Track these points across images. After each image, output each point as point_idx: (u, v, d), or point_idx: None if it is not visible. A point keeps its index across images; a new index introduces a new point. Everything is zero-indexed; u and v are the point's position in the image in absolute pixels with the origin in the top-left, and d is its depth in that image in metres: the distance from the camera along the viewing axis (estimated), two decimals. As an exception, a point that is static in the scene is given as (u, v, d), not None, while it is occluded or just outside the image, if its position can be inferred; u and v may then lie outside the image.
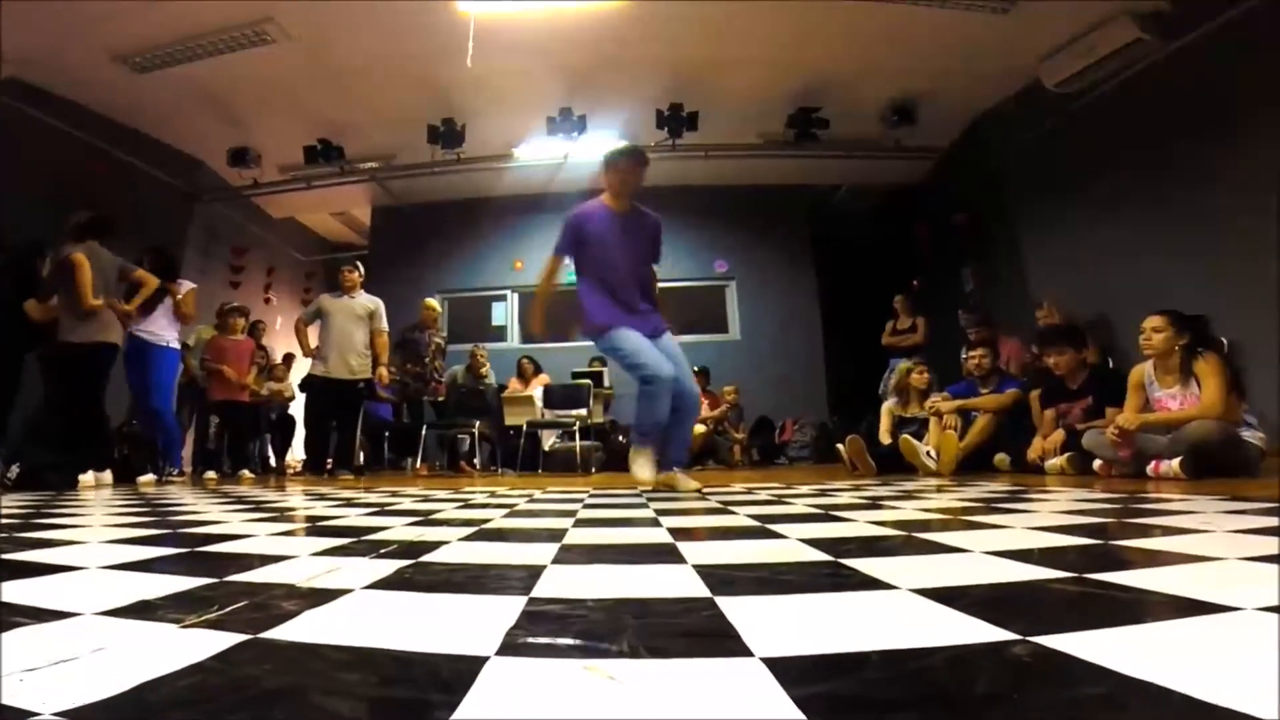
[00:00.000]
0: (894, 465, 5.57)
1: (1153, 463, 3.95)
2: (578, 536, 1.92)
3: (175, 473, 6.05)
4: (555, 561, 1.47)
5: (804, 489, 3.90)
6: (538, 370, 8.91)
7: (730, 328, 10.95)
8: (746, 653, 0.80)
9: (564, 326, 4.58)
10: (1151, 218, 6.70)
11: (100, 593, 1.14)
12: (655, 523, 2.27)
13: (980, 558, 1.47)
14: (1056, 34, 6.92)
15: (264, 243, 10.88)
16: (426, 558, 1.53)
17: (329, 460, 6.82)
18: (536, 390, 8.36)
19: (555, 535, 1.95)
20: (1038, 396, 5.38)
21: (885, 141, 8.83)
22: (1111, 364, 6.48)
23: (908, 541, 1.80)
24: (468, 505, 3.12)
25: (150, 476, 5.70)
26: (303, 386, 7.54)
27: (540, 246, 9.58)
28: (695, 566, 1.39)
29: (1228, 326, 5.42)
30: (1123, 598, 1.06)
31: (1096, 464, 4.35)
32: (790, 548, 1.68)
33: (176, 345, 6.26)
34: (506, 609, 1.02)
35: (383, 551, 1.62)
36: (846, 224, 11.43)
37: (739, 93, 8.10)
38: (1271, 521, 1.79)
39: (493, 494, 3.95)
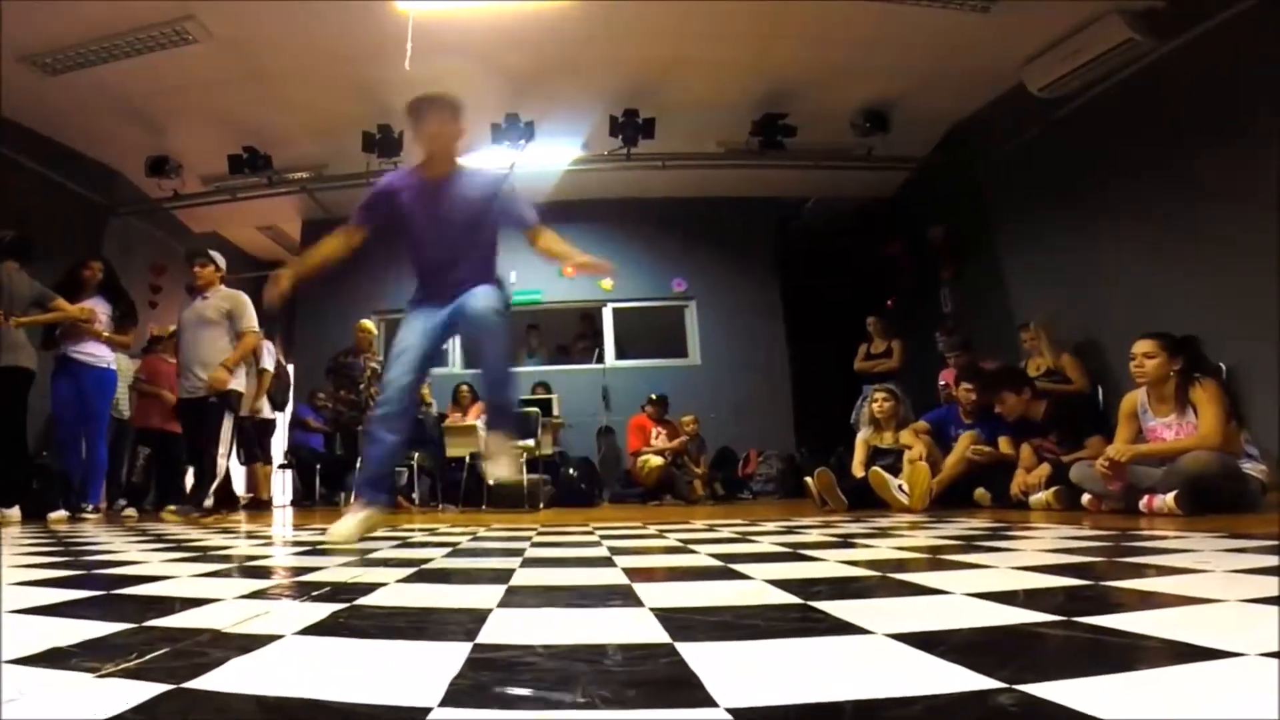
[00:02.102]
0: (867, 500, 5.61)
1: (1146, 497, 3.98)
2: (526, 577, 1.93)
3: (90, 509, 5.88)
4: (502, 605, 1.48)
5: (770, 526, 3.93)
6: (475, 398, 8.84)
7: (689, 351, 10.91)
8: (710, 703, 0.81)
9: None
10: (1143, 231, 6.71)
11: (8, 639, 1.11)
12: (609, 562, 2.28)
13: (961, 600, 1.50)
14: (1041, 35, 6.92)
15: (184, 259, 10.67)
16: (362, 601, 1.52)
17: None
18: (481, 420, 8.31)
19: (501, 576, 1.95)
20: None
21: (856, 150, 8.89)
22: (1101, 391, 6.60)
23: (882, 582, 1.83)
24: (406, 544, 3.10)
25: (62, 513, 5.55)
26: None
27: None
28: (653, 610, 1.40)
29: (1226, 347, 5.45)
30: (1116, 642, 1.09)
31: (1085, 499, 4.38)
32: (756, 589, 1.70)
33: (115, 367, 6.12)
34: (450, 656, 1.03)
35: (315, 594, 1.61)
36: (815, 239, 11.52)
37: (699, 98, 8.12)
38: (1273, 560, 1.84)
39: (433, 531, 3.93)
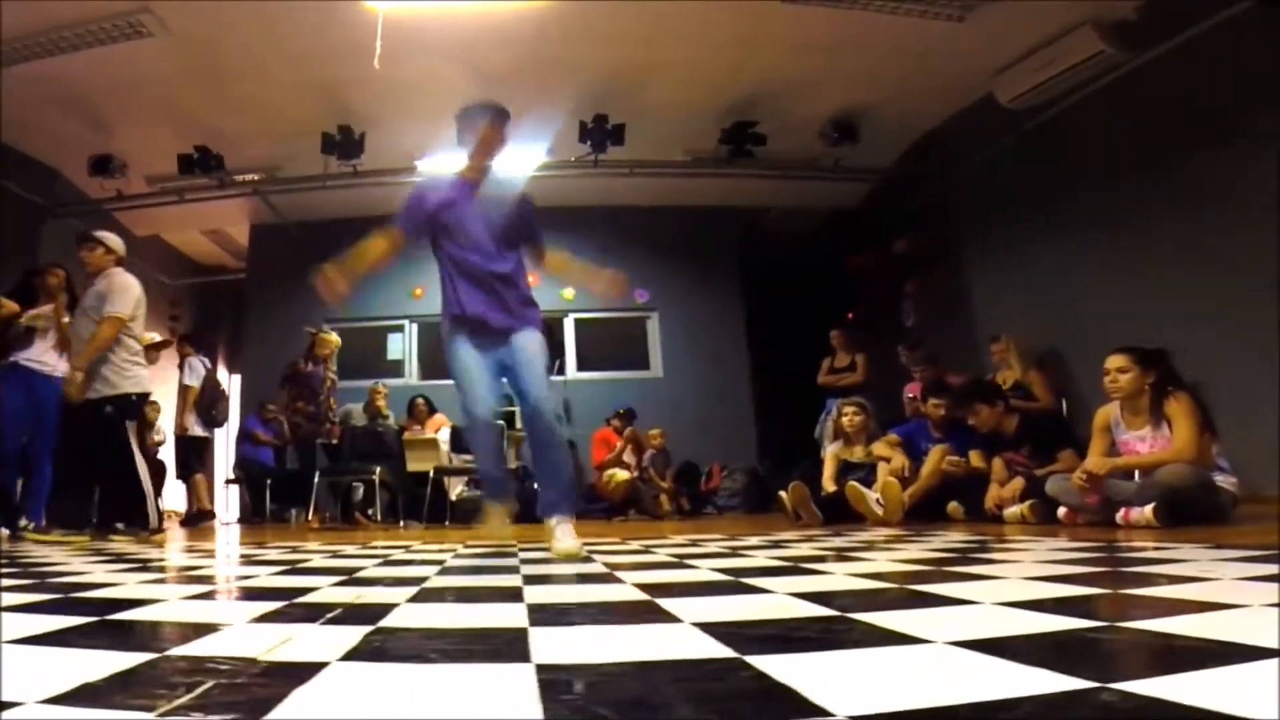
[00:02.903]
0: (840, 514, 5.65)
1: (1123, 510, 4.06)
2: (539, 595, 1.89)
3: (31, 527, 5.65)
4: (534, 624, 1.44)
5: (753, 540, 3.94)
6: (432, 410, 8.73)
7: (652, 364, 10.93)
8: (823, 712, 0.80)
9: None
10: (1109, 245, 6.84)
11: (22, 675, 1.04)
12: (614, 579, 2.25)
13: (994, 609, 1.51)
14: (1013, 45, 7.02)
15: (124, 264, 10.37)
16: (386, 623, 1.47)
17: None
18: (442, 433, 8.21)
19: (512, 594, 1.91)
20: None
21: (824, 160, 8.99)
22: (1066, 406, 6.72)
23: (904, 594, 1.83)
24: (389, 562, 3.04)
25: (2, 531, 5.34)
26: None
27: (443, 272, 9.42)
28: (696, 625, 1.37)
29: (1193, 360, 5.51)
30: (1180, 644, 1.11)
31: (1061, 512, 4.45)
32: (783, 602, 1.69)
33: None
34: (518, 678, 0.99)
35: (330, 616, 1.55)
36: (778, 250, 11.59)
37: (669, 104, 8.15)
38: (1272, 569, 1.89)
39: (409, 549, 3.86)
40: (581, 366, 10.72)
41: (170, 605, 1.79)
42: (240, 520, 9.04)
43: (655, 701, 0.88)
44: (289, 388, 7.82)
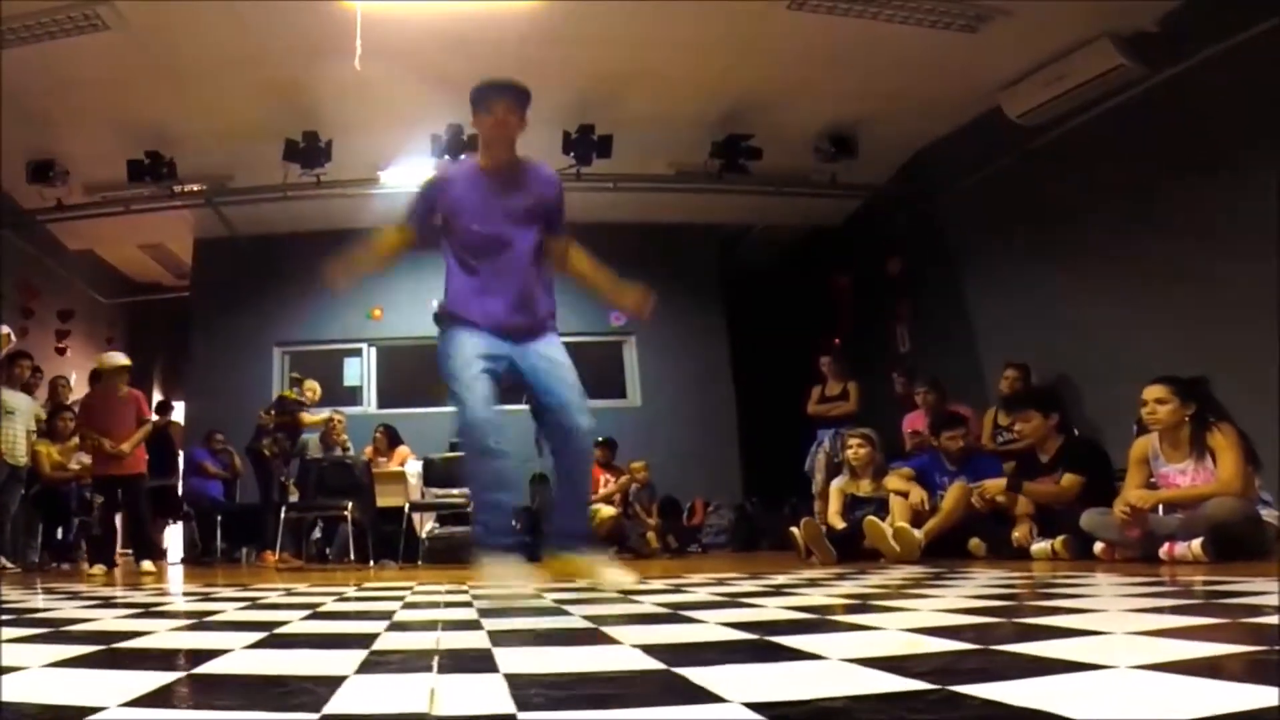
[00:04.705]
0: (849, 551, 5.68)
1: (1166, 544, 4.13)
2: (627, 635, 1.86)
3: None
4: (669, 664, 1.42)
5: (780, 579, 3.93)
6: (395, 441, 8.65)
7: (629, 392, 10.93)
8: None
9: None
10: (1120, 269, 6.97)
11: None
12: (685, 618, 2.24)
13: (1131, 638, 1.57)
14: (1025, 58, 7.12)
15: (58, 280, 10.13)
16: (506, 670, 1.43)
17: None
18: (411, 465, 8.14)
19: (592, 636, 1.89)
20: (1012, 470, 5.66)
21: (818, 176, 9.10)
22: (1078, 434, 6.83)
23: (1019, 628, 1.86)
24: (409, 605, 3.01)
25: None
26: None
27: (406, 291, 9.31)
28: (846, 660, 1.39)
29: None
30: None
31: (1098, 547, 4.49)
32: (905, 638, 1.74)
33: None
34: (737, 716, 1.00)
35: (439, 663, 1.53)
36: (763, 270, 11.66)
37: (658, 114, 8.20)
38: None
39: (412, 589, 3.82)
40: (554, 395, 10.65)
41: (241, 656, 1.71)
42: (186, 560, 8.81)
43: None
44: (279, 409, 7.70)
